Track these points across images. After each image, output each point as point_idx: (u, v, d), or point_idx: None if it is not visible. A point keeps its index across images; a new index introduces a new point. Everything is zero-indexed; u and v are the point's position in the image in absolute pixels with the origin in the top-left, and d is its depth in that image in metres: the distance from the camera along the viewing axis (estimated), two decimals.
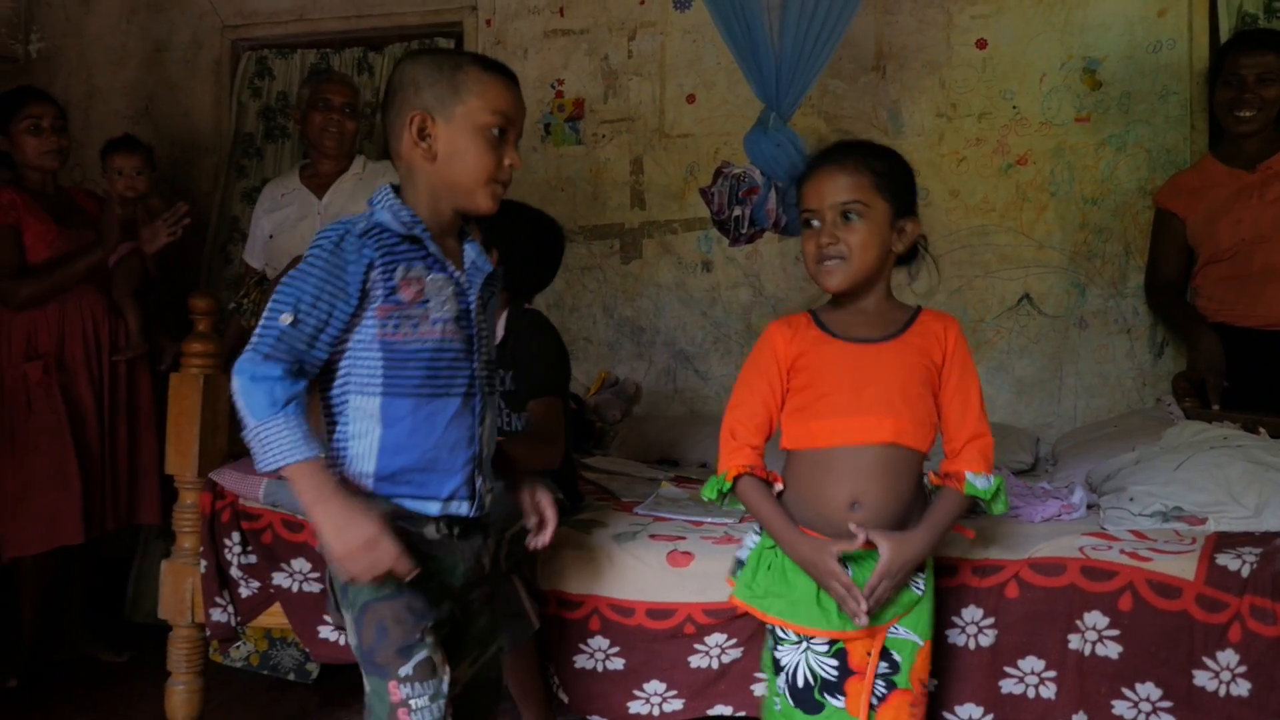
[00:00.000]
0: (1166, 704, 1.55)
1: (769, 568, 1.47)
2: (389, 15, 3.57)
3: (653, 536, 1.83)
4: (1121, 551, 1.63)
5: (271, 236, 2.73)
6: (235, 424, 2.01)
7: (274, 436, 1.22)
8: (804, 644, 1.44)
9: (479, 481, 1.36)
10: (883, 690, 1.44)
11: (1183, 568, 1.58)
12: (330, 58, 3.62)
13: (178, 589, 1.99)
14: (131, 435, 2.74)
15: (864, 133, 3.19)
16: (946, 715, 1.64)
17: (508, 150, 1.36)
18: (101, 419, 2.67)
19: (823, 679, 1.42)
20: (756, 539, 1.52)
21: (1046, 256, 3.09)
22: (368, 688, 1.30)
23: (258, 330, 1.26)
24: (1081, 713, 1.58)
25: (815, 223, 1.47)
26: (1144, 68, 2.99)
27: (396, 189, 1.37)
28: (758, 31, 2.47)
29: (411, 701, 1.26)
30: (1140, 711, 1.56)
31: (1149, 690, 1.56)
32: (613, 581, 1.76)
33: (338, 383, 1.33)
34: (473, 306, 1.37)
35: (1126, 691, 1.57)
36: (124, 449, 2.72)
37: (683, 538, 1.82)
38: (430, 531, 1.33)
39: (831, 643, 1.43)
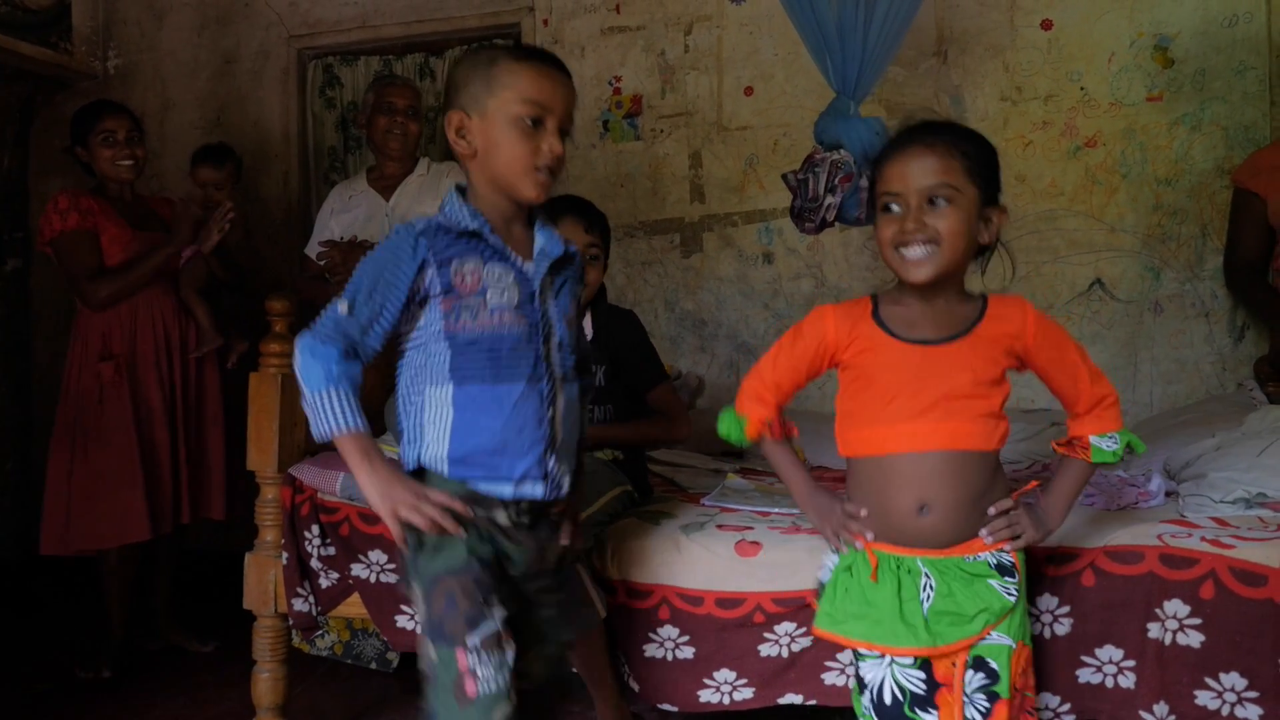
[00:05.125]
0: (1252, 694, 1.51)
1: (846, 591, 1.41)
2: (448, 19, 3.63)
3: (720, 527, 1.84)
4: (1202, 539, 1.59)
5: (342, 238, 2.81)
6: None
7: (327, 406, 1.32)
8: (887, 659, 1.38)
9: (551, 463, 1.39)
10: (985, 704, 1.36)
11: (1267, 555, 1.54)
12: (393, 64, 3.72)
13: (261, 580, 2.06)
14: (199, 432, 2.83)
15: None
16: None
17: (545, 137, 1.37)
18: (171, 418, 2.75)
19: (912, 694, 1.37)
20: (835, 558, 1.47)
21: (1118, 240, 3.01)
22: (433, 656, 1.33)
23: (322, 314, 1.35)
24: (1163, 702, 1.55)
25: (896, 208, 1.35)
26: (1219, 43, 2.90)
27: (462, 189, 1.42)
28: (845, 14, 2.43)
29: (478, 670, 1.30)
30: (1225, 702, 1.52)
31: (1234, 680, 1.52)
32: (681, 571, 1.78)
33: (414, 376, 1.39)
34: (536, 291, 1.40)
35: (1210, 681, 1.53)
36: (192, 446, 2.80)
37: (750, 528, 1.82)
38: (501, 517, 1.36)
39: (915, 656, 1.37)
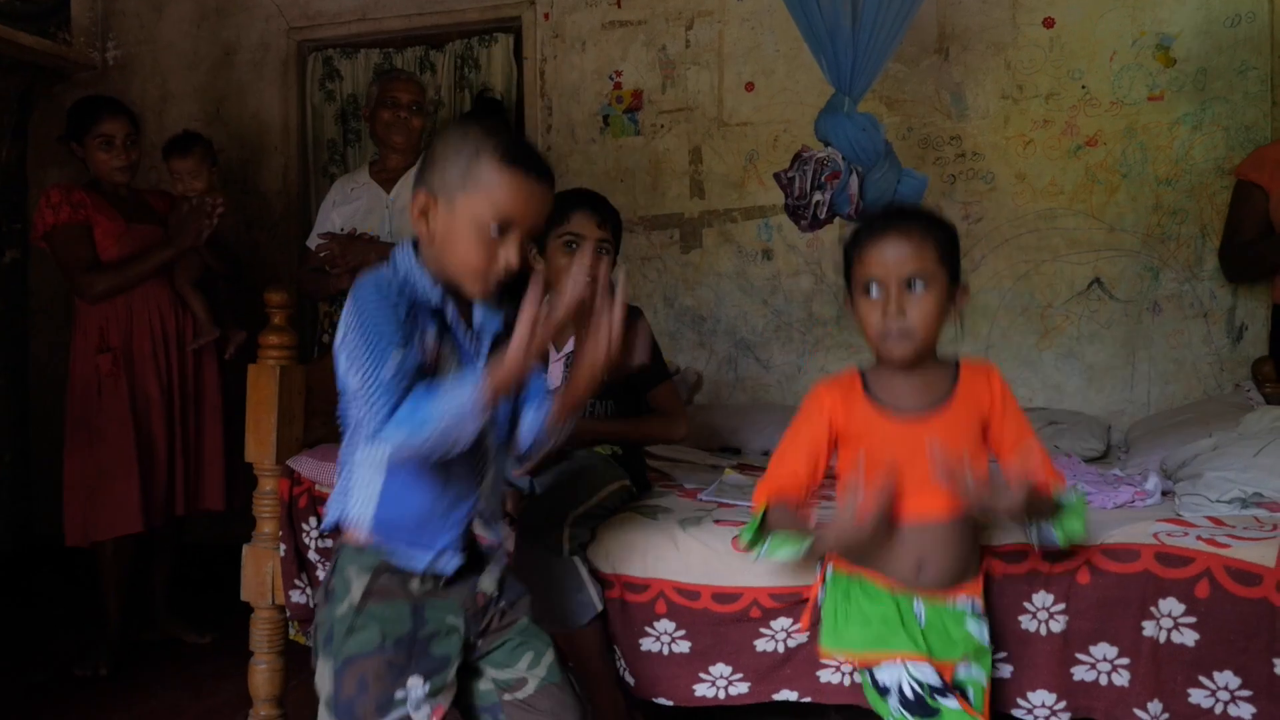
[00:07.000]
0: (1246, 693, 1.51)
1: (846, 615, 1.48)
2: (449, 12, 3.63)
3: (718, 522, 1.84)
4: (1198, 538, 1.59)
5: (342, 230, 2.81)
6: (309, 413, 2.09)
7: (450, 404, 1.21)
8: (900, 660, 1.44)
9: (493, 532, 1.41)
10: None
11: (1262, 554, 1.54)
12: (393, 57, 3.71)
13: (259, 572, 2.06)
14: (198, 424, 2.83)
15: (928, 116, 3.16)
16: (1019, 701, 1.62)
17: (506, 248, 1.30)
18: (169, 409, 2.75)
19: (929, 685, 1.42)
20: (822, 591, 1.55)
21: (1118, 240, 3.02)
22: None
23: (364, 409, 1.25)
24: (1157, 701, 1.55)
25: (875, 291, 1.43)
26: (1221, 42, 2.90)
27: (416, 246, 1.36)
28: (835, 12, 2.43)
29: None
30: (1218, 700, 1.53)
31: (1227, 679, 1.52)
32: (678, 565, 1.78)
33: (353, 430, 1.36)
34: (480, 369, 1.37)
35: (1204, 680, 1.53)
36: (191, 438, 2.81)
37: (747, 522, 1.82)
38: (414, 586, 1.36)
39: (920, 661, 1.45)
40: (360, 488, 1.35)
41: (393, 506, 1.34)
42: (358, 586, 1.34)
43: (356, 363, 1.26)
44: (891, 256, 1.41)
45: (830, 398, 1.49)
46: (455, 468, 1.34)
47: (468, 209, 1.29)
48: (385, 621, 1.33)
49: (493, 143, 1.30)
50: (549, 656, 1.47)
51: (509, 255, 1.31)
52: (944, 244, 1.44)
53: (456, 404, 1.21)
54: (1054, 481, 1.47)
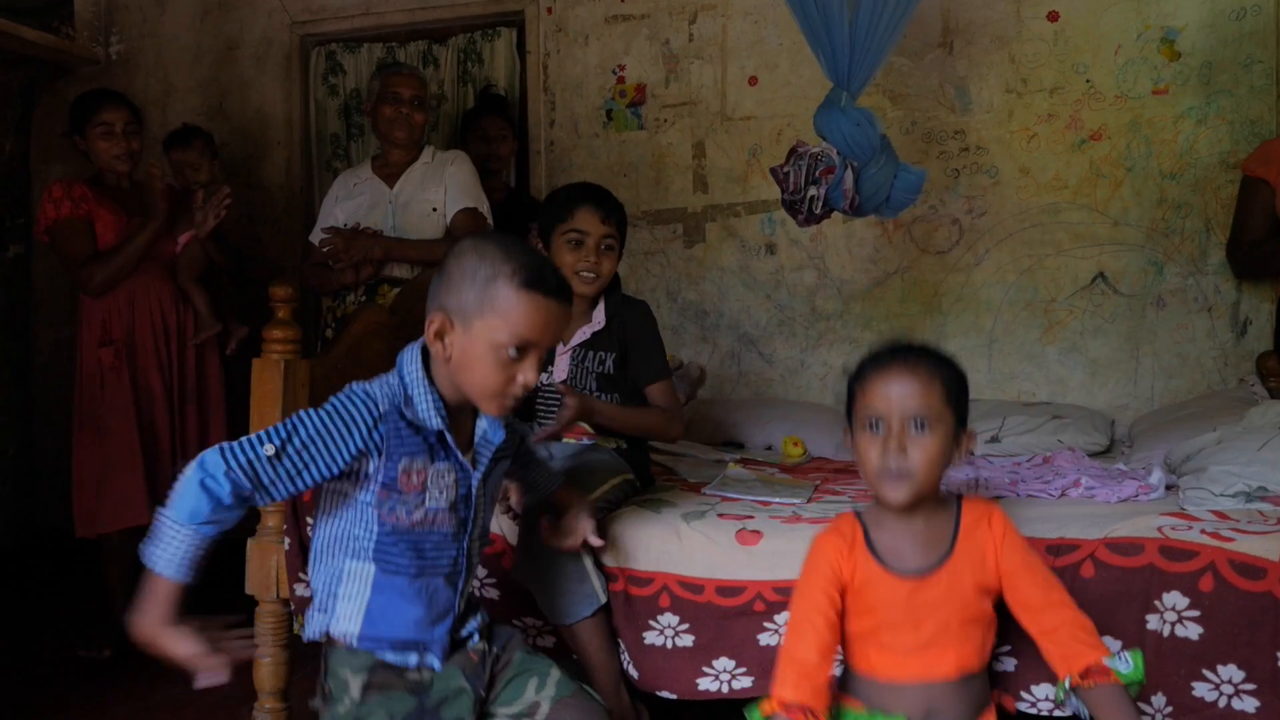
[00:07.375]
0: (1249, 686, 1.51)
1: None
2: (452, 6, 3.63)
3: (721, 515, 1.84)
4: (1202, 532, 1.59)
5: (345, 225, 2.81)
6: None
7: (174, 540, 1.25)
8: None
9: (467, 626, 1.44)
10: None
11: (1267, 548, 1.54)
12: (396, 51, 3.71)
13: (263, 566, 2.06)
14: (201, 418, 2.84)
15: (931, 110, 3.15)
16: (1022, 694, 1.62)
17: (523, 368, 1.32)
18: (171, 403, 2.77)
19: None
20: None
21: (1122, 234, 3.01)
22: None
23: (242, 441, 1.28)
24: (1160, 694, 1.55)
25: (877, 428, 1.37)
26: (1226, 36, 2.89)
27: (426, 356, 1.36)
28: (831, 7, 2.43)
29: None
30: (1222, 693, 1.52)
31: (1231, 672, 1.52)
32: (682, 559, 1.78)
33: (337, 542, 1.37)
34: (474, 488, 1.39)
35: (1207, 673, 1.53)
36: (193, 432, 2.82)
37: (751, 516, 1.82)
38: (410, 675, 1.38)
39: None
40: (345, 602, 1.36)
41: (379, 624, 1.35)
42: (355, 684, 1.35)
43: (282, 423, 1.29)
44: (896, 393, 1.36)
45: (834, 550, 1.43)
46: (437, 592, 1.38)
47: (485, 333, 1.30)
48: (390, 705, 1.35)
49: (510, 267, 1.30)
50: (554, 674, 1.48)
51: (527, 376, 1.32)
52: (952, 385, 1.39)
53: (166, 540, 1.25)
54: (1096, 642, 1.39)
